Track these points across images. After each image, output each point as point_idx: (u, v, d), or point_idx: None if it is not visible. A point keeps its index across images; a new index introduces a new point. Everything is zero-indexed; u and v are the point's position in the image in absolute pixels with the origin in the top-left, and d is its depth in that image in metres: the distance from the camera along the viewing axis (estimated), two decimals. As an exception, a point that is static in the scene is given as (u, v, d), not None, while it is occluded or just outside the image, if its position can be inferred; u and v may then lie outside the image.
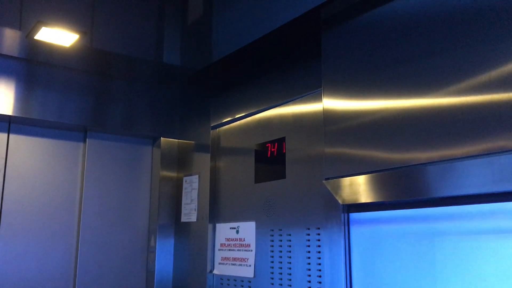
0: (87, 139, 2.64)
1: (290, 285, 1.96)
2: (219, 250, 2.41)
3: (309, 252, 1.89)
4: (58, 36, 2.10)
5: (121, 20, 2.30)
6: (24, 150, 2.49)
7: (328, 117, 1.79)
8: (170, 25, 2.48)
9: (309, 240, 1.90)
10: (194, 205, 2.60)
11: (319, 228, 1.86)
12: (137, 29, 2.36)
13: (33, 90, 2.42)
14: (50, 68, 2.47)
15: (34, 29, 2.03)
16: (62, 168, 2.58)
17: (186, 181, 2.71)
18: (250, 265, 2.18)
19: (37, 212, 2.48)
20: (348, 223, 1.72)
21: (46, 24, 1.99)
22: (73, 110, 2.51)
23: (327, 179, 1.75)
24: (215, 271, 2.41)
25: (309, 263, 1.88)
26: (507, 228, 1.31)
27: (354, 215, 1.71)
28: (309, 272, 1.88)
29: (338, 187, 1.70)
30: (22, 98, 2.39)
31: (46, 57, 2.41)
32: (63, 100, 2.49)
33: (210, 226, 2.47)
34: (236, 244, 2.30)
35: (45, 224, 2.49)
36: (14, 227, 2.40)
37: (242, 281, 2.23)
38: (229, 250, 2.33)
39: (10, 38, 2.19)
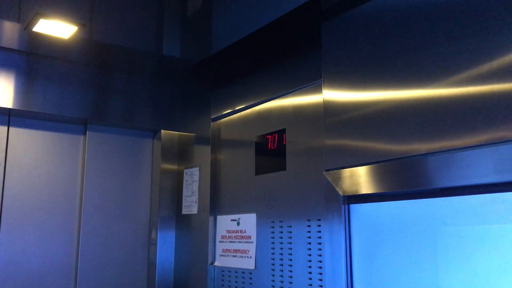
0: (87, 132, 2.63)
1: (291, 277, 1.96)
2: (220, 242, 2.41)
3: (309, 243, 1.89)
4: (57, 28, 2.09)
5: (121, 12, 2.28)
6: (24, 143, 2.49)
7: (329, 109, 1.78)
8: (170, 17, 2.46)
9: (309, 232, 1.90)
10: (195, 197, 2.60)
11: (319, 220, 1.86)
12: (137, 21, 2.35)
13: (33, 83, 2.41)
14: (50, 60, 2.47)
15: (33, 21, 2.01)
16: (62, 161, 2.58)
17: (186, 173, 2.71)
18: (251, 257, 2.19)
19: (38, 205, 2.48)
20: (348, 215, 1.71)
21: (44, 16, 1.97)
22: (73, 102, 2.51)
23: (327, 170, 1.74)
24: (216, 263, 2.41)
25: (309, 255, 1.88)
26: (508, 218, 1.30)
27: (354, 207, 1.71)
28: (309, 264, 1.88)
29: (338, 179, 1.70)
30: (22, 91, 2.38)
31: (46, 50, 2.40)
32: (63, 92, 2.49)
33: (211, 218, 2.47)
34: (237, 236, 2.30)
35: (46, 217, 2.49)
36: (15, 221, 2.41)
37: (243, 272, 2.23)
38: (230, 242, 2.34)
39: (9, 30, 2.18)
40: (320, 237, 1.85)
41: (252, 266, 2.17)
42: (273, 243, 2.08)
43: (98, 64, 2.60)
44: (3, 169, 2.41)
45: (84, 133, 2.65)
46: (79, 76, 2.54)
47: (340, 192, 1.71)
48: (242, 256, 2.24)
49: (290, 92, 2.11)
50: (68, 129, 2.62)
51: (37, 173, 2.50)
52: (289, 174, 2.05)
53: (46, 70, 2.45)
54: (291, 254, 1.98)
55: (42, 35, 2.17)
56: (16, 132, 2.48)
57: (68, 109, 2.49)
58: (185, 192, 2.70)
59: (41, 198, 2.49)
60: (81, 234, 2.54)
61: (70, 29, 2.11)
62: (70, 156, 2.61)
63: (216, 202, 2.48)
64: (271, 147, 2.17)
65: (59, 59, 2.48)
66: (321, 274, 1.83)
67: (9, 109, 2.36)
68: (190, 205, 2.63)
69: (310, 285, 1.87)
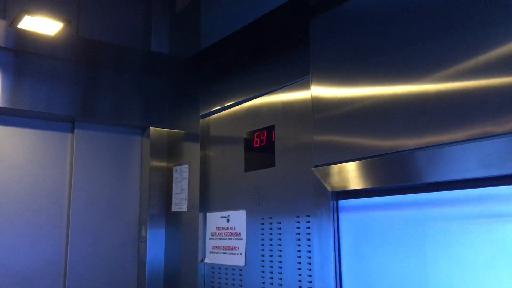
0: (75, 130, 2.61)
1: (281, 273, 1.96)
2: (210, 239, 2.41)
3: (299, 239, 1.89)
4: (42, 24, 2.06)
5: (108, 9, 2.27)
6: (12, 141, 2.47)
7: (317, 105, 1.78)
8: (158, 13, 2.45)
9: (299, 228, 1.90)
10: (185, 194, 2.60)
11: (308, 216, 1.86)
12: (125, 18, 2.33)
13: (20, 81, 2.39)
14: (37, 58, 2.44)
15: (17, 18, 1.99)
16: (50, 159, 2.56)
17: (176, 170, 2.69)
18: (241, 254, 2.18)
19: (26, 204, 2.46)
20: (337, 210, 1.72)
21: (29, 12, 1.95)
22: (61, 100, 2.48)
23: (316, 166, 1.74)
24: (207, 260, 2.41)
25: (299, 251, 1.89)
26: (494, 213, 1.31)
27: (343, 202, 1.71)
28: (299, 260, 1.88)
29: (327, 175, 1.70)
30: (9, 88, 2.36)
31: (33, 47, 2.37)
32: (51, 90, 2.46)
33: (200, 215, 2.47)
34: (227, 233, 2.29)
35: (34, 216, 2.47)
36: (3, 219, 2.39)
37: (234, 269, 2.23)
38: (220, 239, 2.33)
39: (-6, 27, 2.16)
40: (309, 233, 1.85)
41: (242, 263, 2.17)
42: (262, 239, 2.08)
43: (86, 61, 2.57)
44: (-11, 167, 2.39)
45: (72, 131, 2.63)
46: (67, 73, 2.52)
47: (329, 188, 1.71)
48: (232, 253, 2.24)
49: (278, 88, 2.10)
50: (56, 127, 2.60)
51: (25, 172, 2.48)
52: (278, 171, 2.05)
53: (33, 67, 2.43)
54: (280, 251, 1.98)
55: (28, 32, 2.14)
56: (3, 131, 2.45)
57: (55, 107, 2.47)
58: (174, 190, 2.68)
59: (29, 196, 2.47)
60: (70, 232, 2.53)
61: (55, 26, 2.08)
62: (58, 154, 2.58)
63: (206, 199, 2.48)
64: (260, 144, 2.17)
65: (46, 56, 2.46)
66: (310, 270, 1.83)
67: (-4, 107, 2.34)
68: (180, 202, 2.62)
69: (300, 281, 1.87)
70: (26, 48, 2.38)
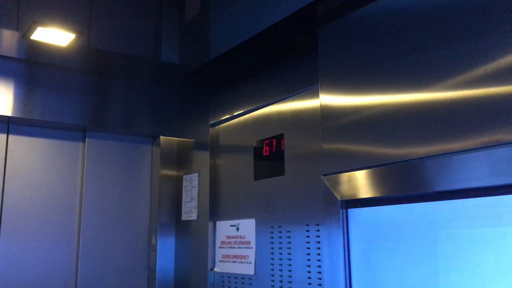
0: (86, 139, 2.64)
1: (291, 282, 1.96)
2: (219, 247, 2.41)
3: (308, 248, 1.89)
4: (55, 36, 2.10)
5: (119, 19, 2.30)
6: (23, 150, 2.50)
7: (326, 113, 1.78)
8: (168, 23, 2.48)
9: (308, 237, 1.89)
10: (194, 203, 2.60)
11: (318, 224, 1.86)
12: (135, 28, 2.36)
13: (32, 91, 2.42)
14: (48, 68, 2.47)
15: (30, 29, 2.02)
16: (62, 168, 2.58)
17: (186, 179, 2.71)
18: (250, 262, 2.18)
19: (38, 213, 2.48)
20: (346, 219, 1.71)
21: (42, 24, 1.98)
22: (72, 110, 2.51)
23: (325, 175, 1.74)
24: (216, 269, 2.41)
25: (309, 259, 1.88)
26: (505, 221, 1.30)
27: (352, 211, 1.71)
28: (309, 269, 1.88)
29: (336, 183, 1.70)
30: (21, 98, 2.39)
31: (44, 58, 2.41)
32: (62, 100, 2.49)
33: (210, 224, 2.47)
34: (236, 241, 2.30)
35: (45, 225, 2.49)
36: (14, 228, 2.41)
37: (243, 278, 2.23)
38: (230, 247, 2.33)
39: (8, 39, 2.20)
40: (319, 242, 1.85)
41: (252, 272, 2.17)
42: (272, 248, 2.08)
43: (97, 71, 2.60)
44: (2, 177, 2.42)
45: (83, 140, 2.66)
46: (78, 83, 2.55)
47: (338, 197, 1.71)
48: (241, 262, 2.24)
49: (287, 97, 2.11)
50: (67, 136, 2.62)
51: (37, 181, 2.50)
52: (288, 179, 2.05)
53: (45, 77, 2.46)
54: (290, 259, 1.97)
55: (41, 43, 2.18)
56: (15, 140, 2.48)
57: (67, 116, 2.49)
58: (184, 198, 2.70)
59: (40, 205, 2.50)
60: (81, 241, 2.54)
61: (67, 37, 2.12)
62: (70, 163, 2.61)
63: (216, 208, 2.48)
64: (270, 152, 2.17)
65: (58, 67, 2.49)
66: (320, 279, 1.82)
67: (8, 117, 2.36)
68: (190, 211, 2.63)
69: (310, 290, 1.86)
70: (39, 59, 2.42)
